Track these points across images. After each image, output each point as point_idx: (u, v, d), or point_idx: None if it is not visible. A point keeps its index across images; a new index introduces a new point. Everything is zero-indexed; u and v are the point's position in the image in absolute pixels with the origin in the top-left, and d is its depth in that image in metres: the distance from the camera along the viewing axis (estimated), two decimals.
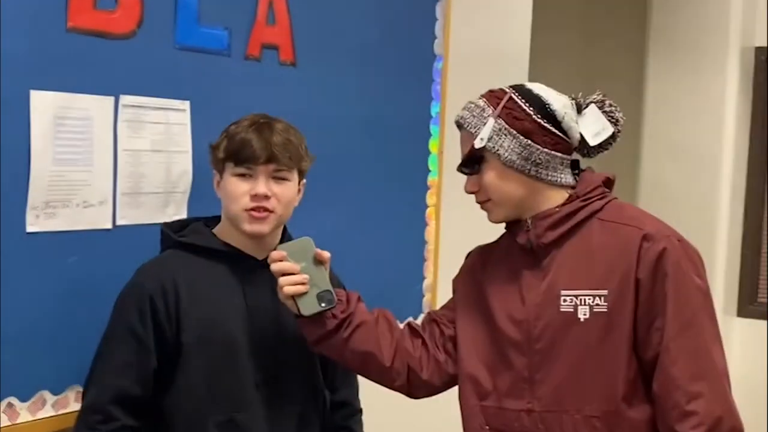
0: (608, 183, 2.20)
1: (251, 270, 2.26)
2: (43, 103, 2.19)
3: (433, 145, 3.44)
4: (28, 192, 2.18)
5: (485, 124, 2.11)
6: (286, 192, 2.23)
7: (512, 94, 2.15)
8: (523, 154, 2.11)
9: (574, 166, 2.20)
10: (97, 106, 2.31)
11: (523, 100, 2.14)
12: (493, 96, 2.17)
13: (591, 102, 2.20)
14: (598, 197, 2.15)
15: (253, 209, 2.19)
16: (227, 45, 2.61)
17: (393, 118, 3.24)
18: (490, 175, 2.13)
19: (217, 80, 2.60)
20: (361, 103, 3.10)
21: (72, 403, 2.34)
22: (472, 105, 2.17)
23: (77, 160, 2.28)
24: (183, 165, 2.52)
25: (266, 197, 2.19)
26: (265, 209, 2.19)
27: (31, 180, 2.18)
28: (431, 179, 3.45)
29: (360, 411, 2.57)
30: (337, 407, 2.49)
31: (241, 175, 2.20)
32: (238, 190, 2.20)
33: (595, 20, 5.88)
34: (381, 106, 3.19)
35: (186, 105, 2.52)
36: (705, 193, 5.32)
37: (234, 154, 2.20)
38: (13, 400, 2.23)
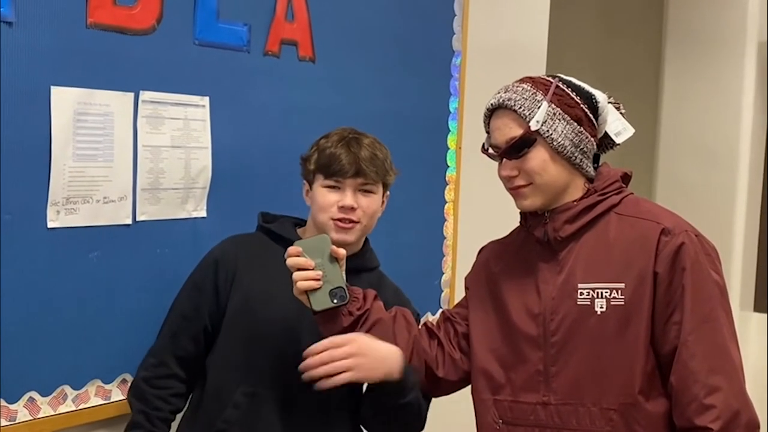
0: (625, 179, 2.20)
1: None
2: (64, 99, 2.21)
3: (451, 141, 3.44)
4: (49, 188, 2.20)
5: (539, 107, 2.09)
6: (372, 204, 2.33)
7: (558, 83, 2.14)
8: (574, 140, 2.11)
9: (595, 160, 2.21)
10: (117, 101, 2.32)
11: (569, 89, 2.14)
12: (538, 82, 2.15)
13: (609, 102, 2.20)
14: (615, 192, 2.15)
15: (339, 219, 2.28)
16: (246, 41, 2.62)
17: (411, 114, 3.25)
18: (537, 160, 2.10)
19: (237, 76, 2.61)
20: (379, 99, 3.11)
21: (93, 397, 2.36)
22: (518, 88, 2.14)
23: (97, 156, 2.29)
24: (202, 161, 2.53)
25: (353, 209, 2.28)
26: (351, 220, 2.29)
27: (51, 176, 2.20)
28: (450, 175, 3.45)
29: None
30: None
31: (330, 187, 2.30)
32: (327, 201, 2.29)
33: (612, 15, 5.88)
34: (399, 102, 3.19)
35: (205, 101, 2.53)
36: (722, 189, 5.31)
37: (324, 167, 2.30)
38: (34, 394, 2.24)
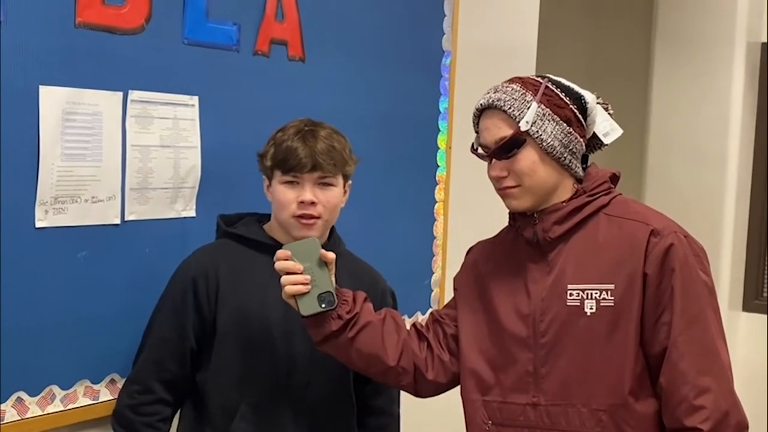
0: (614, 179, 2.20)
1: None
2: (52, 99, 2.20)
3: (441, 141, 3.44)
4: (37, 187, 2.19)
5: (528, 107, 2.09)
6: (332, 198, 2.30)
7: (547, 83, 2.14)
8: (564, 141, 2.10)
9: (584, 160, 2.21)
10: (106, 101, 2.32)
11: (559, 90, 2.13)
12: (528, 82, 2.14)
13: (597, 103, 2.20)
14: (604, 192, 2.15)
15: (301, 216, 2.26)
16: (236, 40, 2.62)
17: (401, 114, 3.24)
18: (527, 161, 2.09)
19: (226, 75, 2.60)
20: (369, 99, 3.10)
21: (81, 397, 2.35)
22: (508, 88, 2.13)
23: (86, 156, 2.28)
24: (192, 160, 2.53)
25: (312, 204, 2.26)
26: (312, 216, 2.26)
27: (39, 175, 2.19)
28: (440, 175, 3.45)
29: (396, 418, 2.57)
30: (372, 413, 2.52)
31: (288, 182, 2.28)
32: (286, 198, 2.27)
33: (601, 15, 5.88)
34: (389, 101, 3.19)
35: (195, 100, 2.52)
36: (711, 189, 5.30)
37: (281, 162, 2.28)
38: (22, 394, 2.23)
